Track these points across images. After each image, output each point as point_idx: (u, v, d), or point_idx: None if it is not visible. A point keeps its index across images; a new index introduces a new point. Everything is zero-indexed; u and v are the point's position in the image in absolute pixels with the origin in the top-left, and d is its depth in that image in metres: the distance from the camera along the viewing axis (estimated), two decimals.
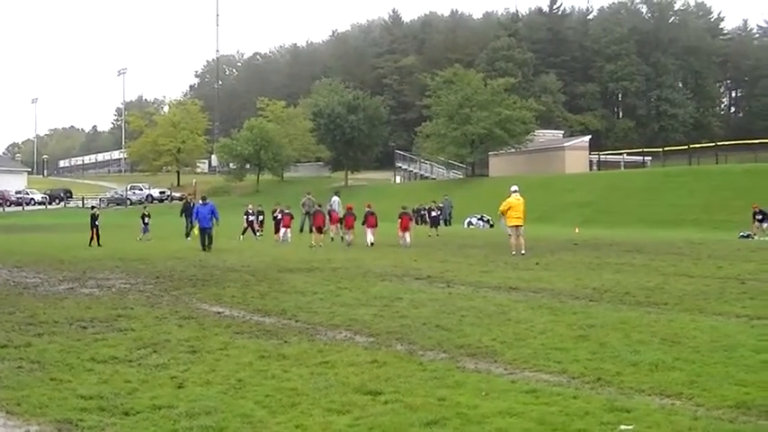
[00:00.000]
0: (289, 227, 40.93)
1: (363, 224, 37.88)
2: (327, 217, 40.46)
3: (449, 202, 60.31)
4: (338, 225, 40.28)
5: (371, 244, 36.27)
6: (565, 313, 15.57)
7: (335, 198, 45.61)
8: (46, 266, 26.63)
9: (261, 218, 45.76)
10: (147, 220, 45.02)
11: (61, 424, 8.43)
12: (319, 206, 41.50)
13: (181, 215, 47.21)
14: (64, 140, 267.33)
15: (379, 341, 12.99)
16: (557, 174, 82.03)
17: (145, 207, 51.48)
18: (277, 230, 41.68)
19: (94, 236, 38.24)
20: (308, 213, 44.40)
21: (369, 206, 38.80)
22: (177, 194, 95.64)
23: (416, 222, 52.25)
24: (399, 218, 37.55)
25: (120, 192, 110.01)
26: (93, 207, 40.31)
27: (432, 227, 46.25)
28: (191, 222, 43.26)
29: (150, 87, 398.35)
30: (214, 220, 35.86)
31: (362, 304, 17.06)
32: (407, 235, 36.75)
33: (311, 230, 39.62)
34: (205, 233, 35.10)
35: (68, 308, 16.70)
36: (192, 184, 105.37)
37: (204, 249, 34.01)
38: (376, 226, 37.52)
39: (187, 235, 43.63)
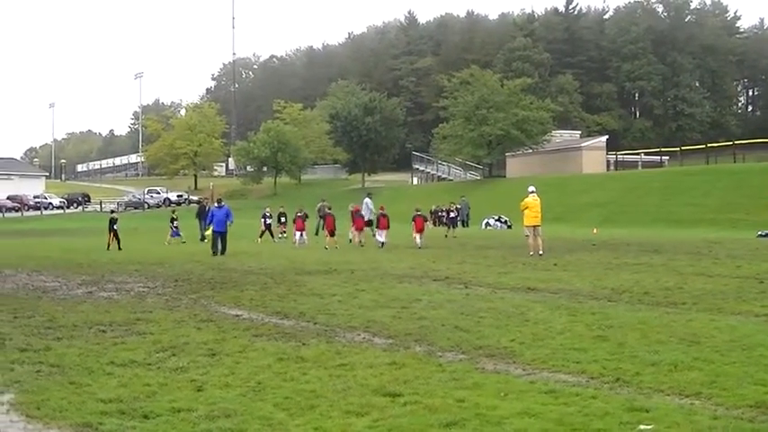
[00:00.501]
0: (303, 230, 40.81)
1: (376, 226, 38.07)
2: (351, 219, 40.79)
3: (466, 204, 60.24)
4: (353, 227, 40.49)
5: (382, 244, 36.67)
6: (583, 314, 15.55)
7: (366, 200, 45.66)
8: (64, 270, 26.70)
9: (283, 219, 45.80)
10: (175, 223, 45.19)
11: (81, 428, 8.46)
12: (329, 208, 41.49)
13: (196, 218, 47.33)
14: (81, 144, 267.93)
15: (398, 343, 12.99)
16: (574, 174, 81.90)
17: (173, 210, 51.64)
18: (285, 231, 41.80)
19: (113, 239, 38.29)
20: (321, 217, 44.42)
21: (382, 208, 39.08)
22: (195, 198, 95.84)
23: (434, 224, 52.34)
24: (413, 219, 37.71)
25: (137, 195, 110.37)
26: (112, 211, 40.27)
27: (449, 228, 46.28)
28: (205, 225, 43.43)
29: (167, 91, 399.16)
30: (228, 223, 35.03)
31: (381, 306, 17.06)
32: (420, 236, 36.92)
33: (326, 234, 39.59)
34: (218, 236, 34.26)
35: (87, 312, 16.74)
36: (210, 188, 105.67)
37: (214, 254, 33.20)
38: (388, 228, 37.80)
39: (202, 238, 43.70)
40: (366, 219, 41.88)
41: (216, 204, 37.67)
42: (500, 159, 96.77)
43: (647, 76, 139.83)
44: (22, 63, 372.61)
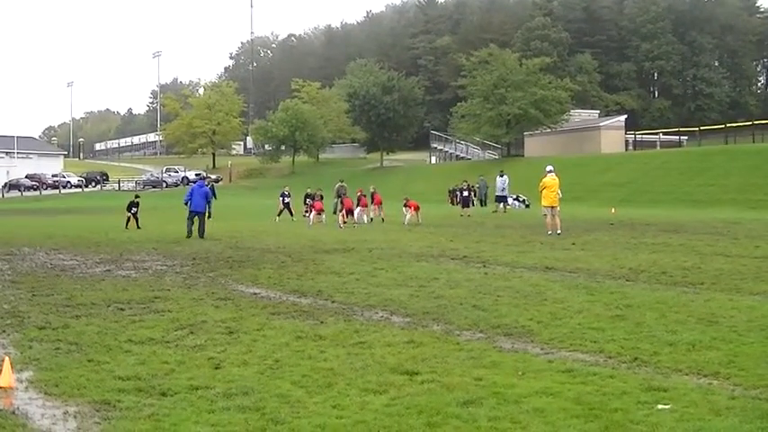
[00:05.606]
0: (322, 210, 40.85)
1: (356, 204, 40.84)
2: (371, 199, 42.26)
3: (484, 183, 60.03)
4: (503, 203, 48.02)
5: (370, 221, 40.16)
6: (601, 293, 15.52)
7: (502, 178, 49.29)
8: (83, 249, 26.78)
9: (309, 201, 45.40)
10: None
11: (99, 405, 8.49)
12: (356, 189, 42.21)
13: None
14: (99, 123, 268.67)
15: (416, 321, 13.01)
16: (592, 154, 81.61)
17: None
18: (309, 212, 42.09)
19: (131, 218, 37.94)
20: (339, 197, 44.57)
21: (359, 190, 42.68)
22: (213, 176, 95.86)
23: (452, 203, 52.52)
24: (406, 205, 40.05)
25: (155, 174, 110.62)
26: (136, 196, 39.82)
27: (463, 207, 46.26)
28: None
29: (185, 70, 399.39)
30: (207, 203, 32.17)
31: (399, 285, 17.08)
32: (410, 215, 38.99)
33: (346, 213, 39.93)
34: (195, 216, 31.63)
35: (105, 290, 16.81)
36: (228, 166, 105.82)
37: (188, 236, 30.82)
38: (366, 206, 41.39)
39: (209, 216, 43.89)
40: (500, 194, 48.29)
41: (198, 182, 34.94)
42: (518, 139, 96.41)
43: (666, 55, 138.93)
44: (41, 42, 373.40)
